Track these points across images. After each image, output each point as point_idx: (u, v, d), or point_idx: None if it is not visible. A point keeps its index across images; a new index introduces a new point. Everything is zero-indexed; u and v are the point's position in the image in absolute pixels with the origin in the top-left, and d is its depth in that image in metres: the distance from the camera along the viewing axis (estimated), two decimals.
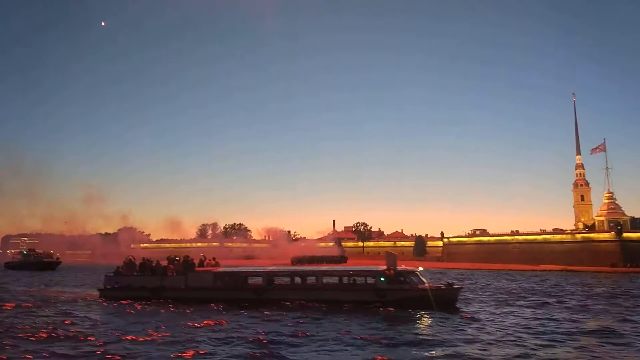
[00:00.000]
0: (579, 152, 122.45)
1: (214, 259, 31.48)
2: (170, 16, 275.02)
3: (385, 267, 26.24)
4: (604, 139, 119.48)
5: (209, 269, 29.85)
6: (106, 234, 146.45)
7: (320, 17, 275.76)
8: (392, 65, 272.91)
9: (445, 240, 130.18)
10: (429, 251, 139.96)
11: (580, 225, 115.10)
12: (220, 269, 30.23)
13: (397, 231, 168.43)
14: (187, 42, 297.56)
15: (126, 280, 29.92)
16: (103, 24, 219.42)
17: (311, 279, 27.27)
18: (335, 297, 25.82)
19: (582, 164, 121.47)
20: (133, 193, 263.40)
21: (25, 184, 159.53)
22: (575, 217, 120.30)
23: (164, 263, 30.05)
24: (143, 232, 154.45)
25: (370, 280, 26.46)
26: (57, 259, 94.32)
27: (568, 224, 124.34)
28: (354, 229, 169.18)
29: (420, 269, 27.32)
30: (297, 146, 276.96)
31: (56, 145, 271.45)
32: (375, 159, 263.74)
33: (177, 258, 30.17)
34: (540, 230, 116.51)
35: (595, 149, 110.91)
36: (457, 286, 26.99)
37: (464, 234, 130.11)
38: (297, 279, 27.90)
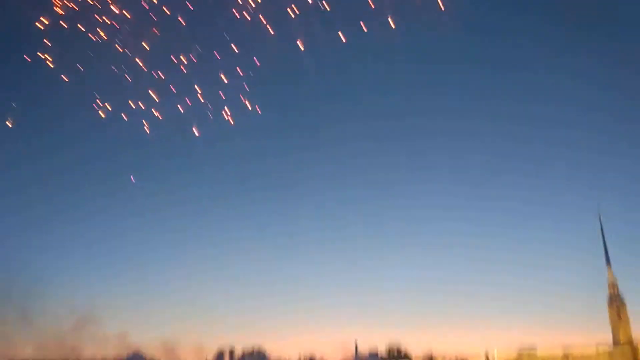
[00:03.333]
0: (608, 262, 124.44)
1: None
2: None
3: None
4: None
5: None
6: None
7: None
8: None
9: None
10: None
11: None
12: None
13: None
14: None
15: None
16: None
17: None
18: None
19: (613, 281, 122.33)
20: (130, 313, 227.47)
21: (15, 308, 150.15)
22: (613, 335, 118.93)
23: None
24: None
25: None
26: None
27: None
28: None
29: None
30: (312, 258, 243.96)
31: (50, 264, 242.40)
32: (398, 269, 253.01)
33: None
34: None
35: None
36: None
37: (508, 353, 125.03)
38: None
